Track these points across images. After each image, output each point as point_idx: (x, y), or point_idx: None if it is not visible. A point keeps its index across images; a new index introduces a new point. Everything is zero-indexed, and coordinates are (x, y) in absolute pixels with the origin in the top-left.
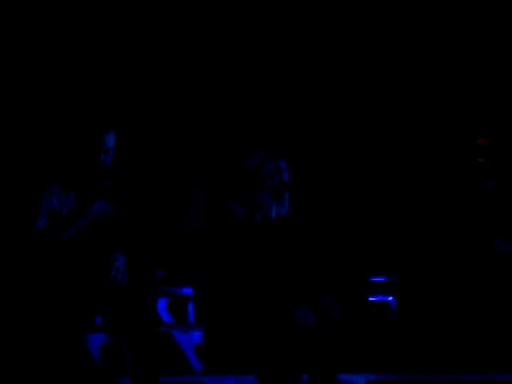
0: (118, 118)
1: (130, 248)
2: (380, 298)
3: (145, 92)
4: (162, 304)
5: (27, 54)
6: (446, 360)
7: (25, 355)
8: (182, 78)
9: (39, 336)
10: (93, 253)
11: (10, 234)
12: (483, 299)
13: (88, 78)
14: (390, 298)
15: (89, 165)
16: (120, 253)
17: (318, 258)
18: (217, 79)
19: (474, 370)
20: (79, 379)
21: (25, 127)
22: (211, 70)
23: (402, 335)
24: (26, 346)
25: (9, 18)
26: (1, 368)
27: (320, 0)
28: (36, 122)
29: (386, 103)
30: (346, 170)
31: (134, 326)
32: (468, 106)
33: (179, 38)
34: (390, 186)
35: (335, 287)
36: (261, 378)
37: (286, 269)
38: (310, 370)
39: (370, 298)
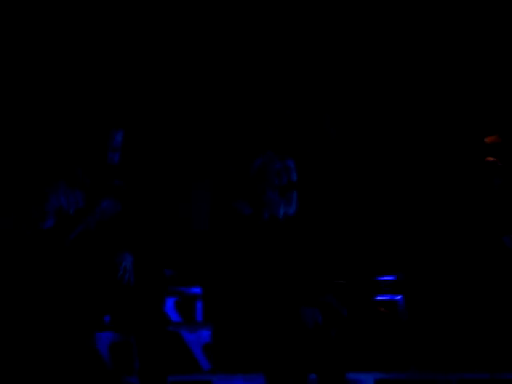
0: (126, 116)
1: (137, 247)
2: (388, 297)
3: (151, 91)
4: (170, 303)
5: (36, 52)
6: (455, 359)
7: (34, 354)
8: (189, 78)
9: (48, 335)
10: (100, 252)
11: (17, 234)
12: (491, 298)
13: (96, 77)
14: (399, 298)
15: (96, 163)
16: (127, 252)
17: (325, 257)
18: (222, 80)
19: (483, 370)
20: (88, 378)
21: (32, 126)
22: (216, 71)
23: (411, 334)
24: (35, 345)
25: (20, 15)
26: (11, 366)
27: (323, 0)
28: (43, 120)
29: (391, 101)
30: (353, 170)
31: (143, 326)
32: (475, 103)
33: (185, 41)
34: (398, 185)
35: (343, 287)
36: (269, 377)
37: (293, 268)
38: (318, 369)
39: (379, 298)
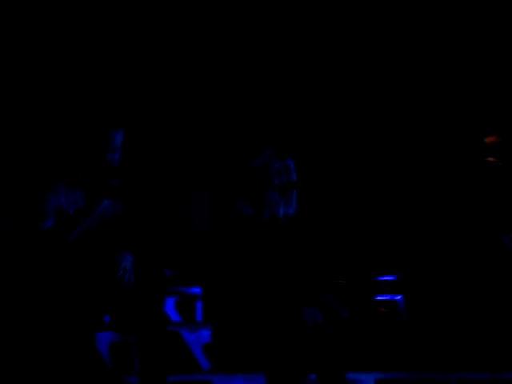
0: (126, 116)
1: (137, 247)
2: (388, 297)
3: (151, 91)
4: (170, 303)
5: (35, 52)
6: (455, 359)
7: (34, 354)
8: (188, 78)
9: (48, 335)
10: (100, 252)
11: (17, 234)
12: (491, 298)
13: (96, 78)
14: (399, 298)
15: (96, 164)
16: (127, 252)
17: (325, 257)
18: (222, 80)
19: (483, 370)
20: (88, 377)
21: (32, 126)
22: (217, 71)
23: (411, 334)
24: (35, 345)
25: (19, 15)
26: (11, 366)
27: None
28: (43, 121)
29: (391, 101)
30: (353, 170)
31: (143, 325)
32: (475, 103)
33: (184, 41)
34: (398, 185)
35: (343, 286)
36: (269, 377)
37: (293, 268)
38: (318, 369)
39: (379, 298)
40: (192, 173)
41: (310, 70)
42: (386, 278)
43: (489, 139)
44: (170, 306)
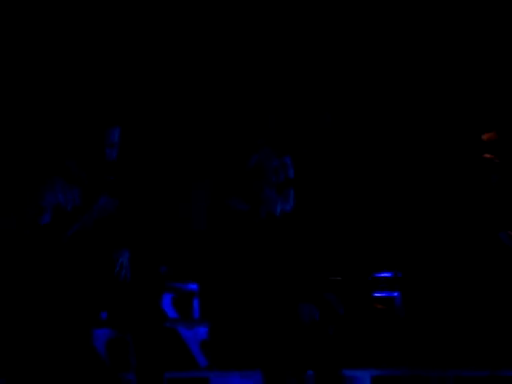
0: (123, 112)
1: (134, 244)
2: (386, 294)
3: (148, 88)
4: (167, 300)
5: (32, 48)
6: (452, 356)
7: (30, 351)
8: (185, 75)
9: (45, 332)
10: (97, 248)
11: (14, 231)
12: (488, 294)
13: (93, 73)
14: (396, 294)
15: (94, 160)
16: (125, 248)
17: (322, 254)
18: (220, 77)
19: (480, 366)
20: (85, 374)
21: (29, 123)
22: (214, 68)
23: (408, 331)
24: (31, 342)
25: (13, 13)
26: (8, 363)
27: None
28: (40, 117)
29: (390, 99)
30: (350, 166)
31: (140, 322)
32: (472, 100)
33: (182, 37)
34: (395, 182)
35: (340, 283)
36: (266, 374)
37: (290, 265)
38: (315, 366)
39: (376, 294)
40: (189, 169)
41: (307, 67)
42: (383, 275)
43: (486, 136)
44: (166, 302)
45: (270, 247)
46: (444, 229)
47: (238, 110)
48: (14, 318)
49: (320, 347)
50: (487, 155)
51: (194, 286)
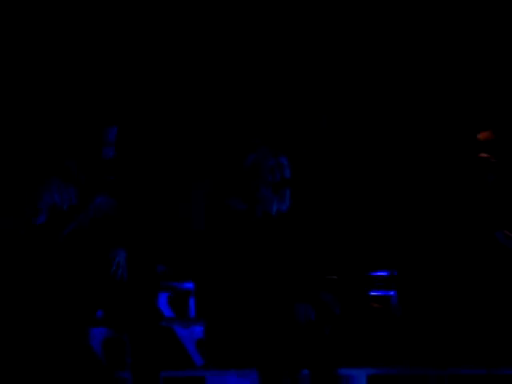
0: (120, 112)
1: (131, 243)
2: (382, 292)
3: (146, 88)
4: (163, 299)
5: (30, 48)
6: (448, 355)
7: (27, 350)
8: (183, 75)
9: (41, 331)
10: (94, 248)
11: (10, 231)
12: (484, 293)
13: (91, 73)
14: (392, 293)
15: (90, 159)
16: (121, 248)
17: (318, 253)
18: (217, 77)
19: (475, 365)
20: (81, 373)
21: (26, 122)
22: (211, 68)
23: (404, 330)
24: (28, 342)
25: (12, 13)
26: (4, 363)
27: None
28: (37, 117)
29: (385, 99)
30: (346, 166)
31: (136, 321)
32: (468, 100)
33: (181, 37)
34: (391, 181)
35: (336, 282)
36: (262, 373)
37: (286, 264)
38: (311, 365)
39: (372, 293)
40: (186, 169)
41: (306, 68)
42: (379, 274)
43: (482, 135)
44: (162, 301)
45: (266, 246)
46: (440, 228)
47: (234, 110)
48: (10, 317)
49: (316, 346)
50: (483, 155)
51: (189, 285)
